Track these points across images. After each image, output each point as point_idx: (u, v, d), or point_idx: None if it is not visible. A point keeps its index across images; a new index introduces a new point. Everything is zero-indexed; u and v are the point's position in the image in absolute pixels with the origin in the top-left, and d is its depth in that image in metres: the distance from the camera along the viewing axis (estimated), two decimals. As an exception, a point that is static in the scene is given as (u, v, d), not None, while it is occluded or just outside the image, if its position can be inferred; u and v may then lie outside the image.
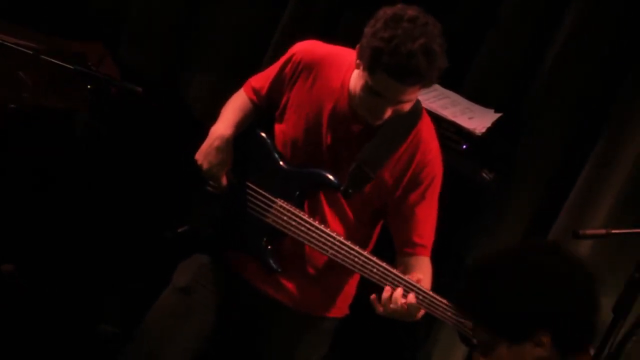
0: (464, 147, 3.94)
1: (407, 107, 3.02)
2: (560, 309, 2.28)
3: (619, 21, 4.03)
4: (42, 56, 3.73)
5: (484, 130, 3.99)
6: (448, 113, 4.00)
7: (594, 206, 4.04)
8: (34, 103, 4.01)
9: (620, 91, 4.04)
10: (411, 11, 2.92)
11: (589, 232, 3.26)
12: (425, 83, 2.95)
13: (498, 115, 4.09)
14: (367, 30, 2.94)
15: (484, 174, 3.94)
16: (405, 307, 3.00)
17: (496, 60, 4.24)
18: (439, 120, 3.95)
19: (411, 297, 3.00)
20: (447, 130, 3.95)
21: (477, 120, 4.03)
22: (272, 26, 4.47)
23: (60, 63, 3.71)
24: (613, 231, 3.20)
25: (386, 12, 2.94)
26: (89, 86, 3.74)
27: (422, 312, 3.05)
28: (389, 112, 2.99)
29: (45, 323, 4.18)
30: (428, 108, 3.98)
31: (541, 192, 4.17)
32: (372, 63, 2.91)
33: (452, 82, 4.15)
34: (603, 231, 3.23)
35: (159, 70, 4.65)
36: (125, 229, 4.41)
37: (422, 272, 3.11)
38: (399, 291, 3.00)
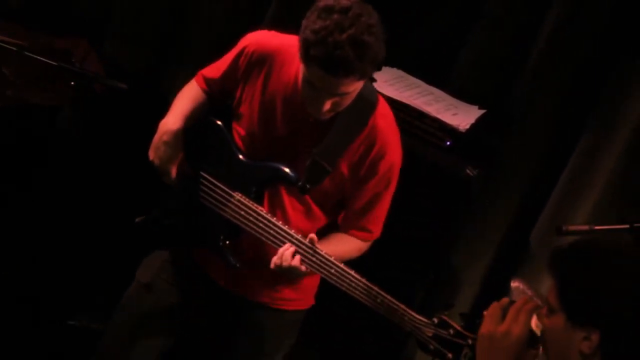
0: (448, 143, 3.94)
1: (347, 100, 2.94)
2: (623, 316, 2.25)
3: (604, 16, 4.03)
4: (26, 52, 3.72)
5: (468, 126, 3.99)
6: (432, 109, 4.01)
7: (578, 202, 4.05)
8: (17, 99, 4.00)
9: (605, 86, 4.05)
10: (345, 1, 2.83)
11: (573, 228, 3.25)
12: (358, 75, 2.85)
13: (482, 111, 4.11)
14: (303, 22, 2.86)
15: (469, 170, 3.94)
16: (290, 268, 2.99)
17: (480, 57, 4.24)
18: (422, 117, 3.97)
19: (297, 260, 2.98)
20: (431, 126, 3.96)
21: (461, 116, 4.04)
22: (258, 20, 4.46)
23: (44, 60, 3.71)
24: (596, 227, 3.20)
25: (320, 3, 2.86)
26: (72, 83, 3.73)
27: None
28: (328, 105, 2.90)
29: (20, 316, 4.17)
30: (412, 104, 4.01)
31: (526, 188, 4.18)
32: (304, 55, 2.84)
33: (437, 79, 4.16)
34: (586, 227, 3.23)
35: (144, 67, 4.64)
36: (108, 225, 4.40)
37: (342, 244, 3.11)
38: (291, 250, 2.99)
